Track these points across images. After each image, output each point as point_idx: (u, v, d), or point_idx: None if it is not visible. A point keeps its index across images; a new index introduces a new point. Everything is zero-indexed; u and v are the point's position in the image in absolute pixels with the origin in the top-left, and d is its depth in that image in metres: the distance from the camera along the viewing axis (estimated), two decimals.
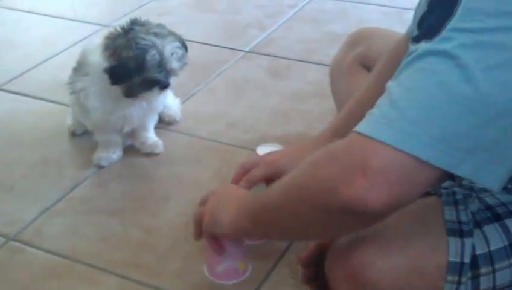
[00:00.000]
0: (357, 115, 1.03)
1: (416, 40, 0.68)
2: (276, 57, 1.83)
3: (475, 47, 0.63)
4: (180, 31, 1.95)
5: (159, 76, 1.24)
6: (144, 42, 1.21)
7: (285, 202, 0.76)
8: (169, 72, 1.25)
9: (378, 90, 1.04)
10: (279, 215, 0.78)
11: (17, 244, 1.18)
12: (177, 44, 1.25)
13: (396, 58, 1.03)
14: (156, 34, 1.22)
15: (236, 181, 1.04)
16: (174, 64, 1.24)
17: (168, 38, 1.24)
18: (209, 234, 0.95)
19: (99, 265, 1.12)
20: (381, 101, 0.68)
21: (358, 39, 1.30)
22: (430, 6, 0.70)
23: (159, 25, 1.27)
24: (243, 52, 1.86)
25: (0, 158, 1.42)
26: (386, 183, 0.64)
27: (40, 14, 2.15)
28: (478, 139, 0.64)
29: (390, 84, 0.69)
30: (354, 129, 0.68)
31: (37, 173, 1.36)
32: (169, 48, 1.23)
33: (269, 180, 1.01)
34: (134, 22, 1.26)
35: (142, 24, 1.25)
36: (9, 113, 1.59)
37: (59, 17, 2.12)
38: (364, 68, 1.24)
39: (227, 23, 2.07)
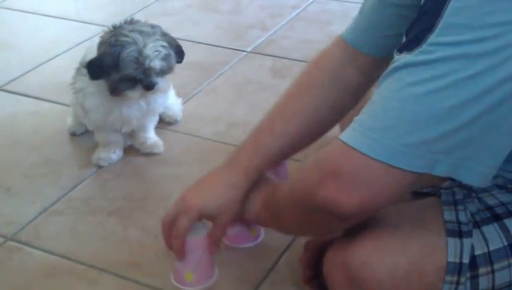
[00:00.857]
0: (269, 131, 0.96)
1: (400, 49, 0.70)
2: (278, 57, 1.82)
3: (453, 59, 0.65)
4: (183, 32, 1.97)
5: (135, 73, 1.22)
6: (123, 39, 1.20)
7: (284, 203, 0.83)
8: (148, 71, 1.22)
9: (292, 103, 0.97)
10: (283, 213, 0.85)
11: (16, 244, 1.17)
12: (162, 43, 1.22)
13: (320, 64, 0.98)
14: (141, 32, 1.21)
15: (169, 240, 0.98)
16: (155, 63, 1.21)
17: (153, 37, 1.21)
18: None
19: (98, 265, 1.12)
20: (364, 108, 0.72)
21: None
22: (419, 14, 0.71)
23: (150, 25, 1.25)
24: (245, 53, 1.86)
25: (0, 158, 1.42)
26: (355, 188, 0.69)
27: (43, 15, 2.16)
28: (452, 141, 0.67)
29: (374, 92, 0.72)
30: (339, 136, 0.72)
31: (37, 172, 1.36)
32: (152, 46, 1.20)
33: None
34: (127, 21, 1.25)
35: (134, 23, 1.25)
36: (10, 114, 1.59)
37: (62, 18, 2.13)
38: None
39: (230, 23, 2.07)
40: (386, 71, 0.70)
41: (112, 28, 1.25)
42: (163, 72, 1.25)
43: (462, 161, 0.68)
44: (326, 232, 0.85)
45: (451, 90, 0.65)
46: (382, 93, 0.70)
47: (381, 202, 0.71)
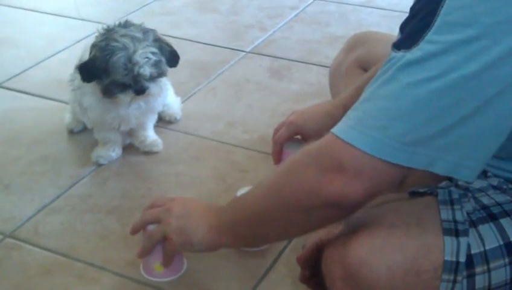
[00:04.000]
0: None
1: (397, 47, 0.71)
2: (276, 57, 1.83)
3: (448, 58, 0.67)
4: (182, 31, 1.98)
5: (125, 79, 1.22)
6: (114, 44, 1.20)
7: (271, 211, 0.82)
8: (137, 77, 1.22)
9: None
10: (266, 224, 0.83)
11: (14, 241, 1.18)
12: (153, 50, 1.22)
13: None
14: (132, 38, 1.21)
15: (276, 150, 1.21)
16: (144, 69, 1.21)
17: (143, 43, 1.21)
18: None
19: (96, 263, 1.12)
20: (358, 105, 0.73)
21: (357, 43, 1.31)
22: (412, 12, 0.73)
23: (143, 29, 1.25)
24: (244, 53, 1.86)
25: None
26: (361, 181, 0.72)
27: (42, 12, 2.16)
28: (449, 139, 0.69)
29: (367, 90, 0.73)
30: (332, 130, 0.74)
31: (36, 170, 1.37)
32: (141, 52, 1.20)
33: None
34: (121, 24, 1.25)
35: (128, 26, 1.24)
36: (10, 111, 1.59)
37: (62, 16, 2.13)
38: (363, 71, 1.24)
39: (229, 23, 2.07)
40: (383, 68, 0.72)
41: (105, 31, 1.25)
42: (153, 78, 1.25)
43: (460, 159, 0.70)
44: (320, 228, 0.84)
45: (447, 90, 0.67)
46: (378, 91, 0.71)
47: (383, 190, 0.76)
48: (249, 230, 0.87)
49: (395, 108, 0.69)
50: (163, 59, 1.26)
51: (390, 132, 0.70)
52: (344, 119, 0.74)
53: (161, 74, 1.27)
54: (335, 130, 0.74)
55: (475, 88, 0.67)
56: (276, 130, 1.21)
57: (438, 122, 0.69)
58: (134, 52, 1.20)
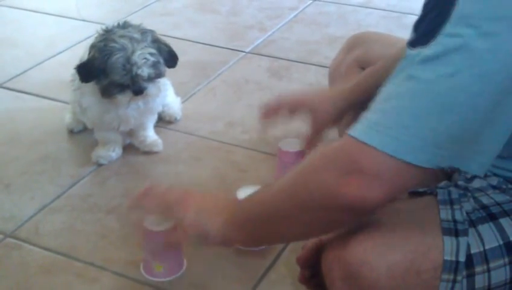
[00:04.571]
0: (367, 87, 1.08)
1: (413, 44, 0.70)
2: (276, 58, 1.83)
3: (468, 53, 0.65)
4: (182, 32, 1.98)
5: (123, 80, 1.22)
6: (112, 44, 1.21)
7: (283, 210, 0.80)
8: (135, 78, 1.23)
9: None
10: (278, 223, 0.81)
11: (15, 241, 1.18)
12: (151, 50, 1.23)
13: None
14: (130, 39, 1.21)
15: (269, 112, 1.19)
16: (143, 70, 1.22)
17: (141, 44, 1.22)
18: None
19: (96, 262, 1.12)
20: (375, 105, 0.72)
21: (356, 43, 1.31)
22: (425, 10, 0.72)
23: (142, 30, 1.25)
24: (244, 53, 1.87)
25: (0, 155, 1.43)
26: (381, 184, 0.70)
27: (43, 13, 2.16)
28: (467, 138, 0.68)
29: (384, 89, 0.71)
30: (349, 132, 0.72)
31: (36, 170, 1.37)
32: (140, 53, 1.21)
33: (293, 111, 1.19)
34: (119, 25, 1.26)
35: (127, 27, 1.25)
36: (11, 111, 1.60)
37: (63, 17, 2.14)
38: (362, 71, 1.24)
39: (229, 24, 2.08)
40: (400, 66, 0.70)
41: (104, 31, 1.26)
42: (151, 79, 1.25)
43: (473, 154, 0.70)
44: (334, 230, 0.82)
45: (465, 86, 0.66)
46: (396, 89, 0.70)
47: (403, 191, 0.76)
48: (261, 228, 0.85)
49: (414, 106, 0.67)
50: (161, 60, 1.26)
51: (411, 131, 0.67)
52: (361, 120, 0.72)
53: (159, 75, 1.27)
54: (352, 131, 0.72)
55: (496, 86, 0.66)
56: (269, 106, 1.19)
57: (457, 120, 0.67)
58: (133, 53, 1.21)
